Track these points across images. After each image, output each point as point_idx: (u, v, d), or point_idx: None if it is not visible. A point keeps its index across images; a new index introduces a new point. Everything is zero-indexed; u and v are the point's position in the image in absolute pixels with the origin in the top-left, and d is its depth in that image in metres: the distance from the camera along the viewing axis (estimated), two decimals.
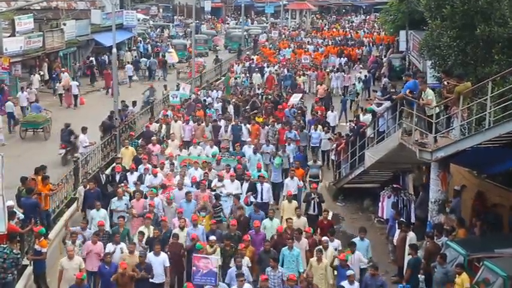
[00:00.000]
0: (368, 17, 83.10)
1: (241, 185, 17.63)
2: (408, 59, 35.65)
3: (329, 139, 23.24)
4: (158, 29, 59.65)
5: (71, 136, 22.54)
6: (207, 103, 27.78)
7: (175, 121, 23.29)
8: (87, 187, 16.78)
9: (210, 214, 15.86)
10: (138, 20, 51.18)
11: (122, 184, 17.29)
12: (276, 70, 37.34)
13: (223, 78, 36.90)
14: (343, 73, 36.68)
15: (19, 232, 14.21)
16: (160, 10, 76.17)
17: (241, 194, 17.22)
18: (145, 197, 16.28)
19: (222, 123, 23.39)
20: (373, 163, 18.14)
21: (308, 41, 54.15)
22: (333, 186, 21.57)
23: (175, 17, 74.56)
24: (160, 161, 19.23)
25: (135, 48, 45.97)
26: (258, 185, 17.50)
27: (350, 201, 20.84)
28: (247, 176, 17.93)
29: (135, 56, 43.46)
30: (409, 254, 14.13)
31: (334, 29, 65.87)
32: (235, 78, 34.38)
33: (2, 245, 12.95)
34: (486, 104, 13.58)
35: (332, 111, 27.60)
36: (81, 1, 43.54)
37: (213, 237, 13.89)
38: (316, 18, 79.78)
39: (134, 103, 27.06)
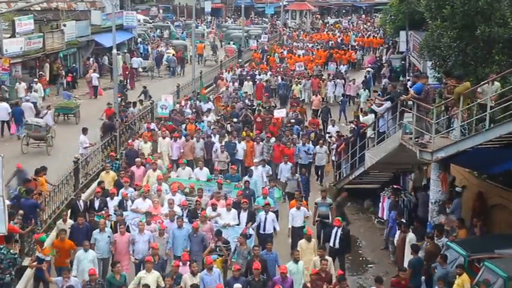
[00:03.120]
0: (355, 18, 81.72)
1: (239, 214, 15.64)
2: (408, 60, 35.63)
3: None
4: (158, 30, 59.61)
5: (124, 89, 31.21)
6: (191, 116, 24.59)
7: (163, 137, 20.92)
8: (67, 221, 14.69)
9: (224, 257, 14.06)
10: (139, 21, 51.15)
11: (103, 212, 15.25)
12: (268, 78, 34.70)
13: (220, 83, 34.18)
14: (343, 80, 34.30)
15: (19, 233, 14.20)
16: (161, 11, 76.10)
17: (239, 225, 15.39)
18: (128, 230, 14.52)
19: (215, 139, 21.09)
20: (373, 164, 18.15)
21: (298, 46, 51.14)
22: (333, 187, 21.55)
23: (174, 18, 74.66)
24: (145, 185, 16.87)
25: (135, 49, 46.04)
26: (262, 214, 15.66)
27: (350, 202, 20.80)
28: (245, 203, 15.85)
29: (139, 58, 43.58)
30: (411, 254, 14.19)
31: (324, 32, 62.73)
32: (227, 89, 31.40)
33: None
34: (486, 105, 13.58)
35: (333, 125, 25.02)
36: (81, 2, 43.51)
37: (238, 286, 12.10)
38: (316, 19, 79.78)
39: (134, 104, 27.02)
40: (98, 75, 35.28)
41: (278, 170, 19.99)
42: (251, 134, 22.56)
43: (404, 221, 15.83)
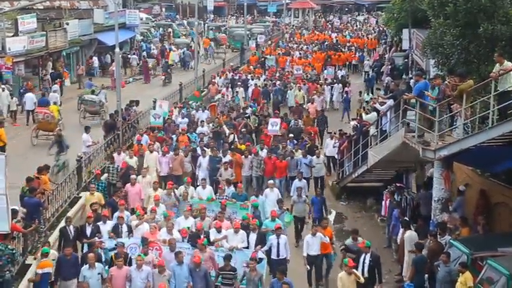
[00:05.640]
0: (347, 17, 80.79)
1: (247, 236, 14.34)
2: (411, 58, 35.58)
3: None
4: (161, 28, 59.72)
5: (168, 69, 38.92)
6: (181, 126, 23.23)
7: (151, 152, 19.38)
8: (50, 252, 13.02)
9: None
10: (141, 19, 51.29)
11: (95, 239, 13.91)
12: (262, 83, 32.78)
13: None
14: (340, 85, 32.53)
15: (22, 232, 14.18)
16: (163, 9, 76.20)
17: (247, 248, 14.13)
18: (129, 262, 13.09)
19: (199, 152, 19.76)
20: (376, 162, 18.13)
21: (292, 47, 48.95)
22: (336, 185, 21.55)
23: (176, 16, 74.85)
24: (152, 207, 15.37)
25: (137, 47, 46.18)
26: (273, 238, 14.20)
27: (353, 200, 20.84)
28: (253, 224, 14.59)
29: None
30: (409, 252, 14.23)
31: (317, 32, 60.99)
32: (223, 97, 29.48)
33: None
34: (489, 103, 13.56)
35: (332, 138, 22.46)
36: (84, 1, 43.58)
37: None
38: (319, 17, 79.81)
39: (137, 102, 27.04)
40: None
41: (292, 187, 18.18)
42: (242, 146, 20.98)
43: (407, 219, 15.84)
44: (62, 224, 14.92)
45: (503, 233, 14.98)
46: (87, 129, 21.85)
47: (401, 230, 15.35)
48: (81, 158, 19.14)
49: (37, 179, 16.62)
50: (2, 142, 21.48)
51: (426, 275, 13.46)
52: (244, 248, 14.14)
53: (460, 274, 12.09)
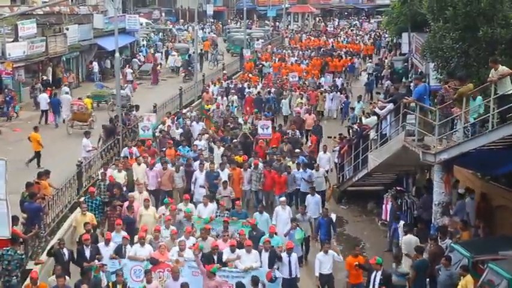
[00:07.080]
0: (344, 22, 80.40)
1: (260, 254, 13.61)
2: (411, 62, 35.61)
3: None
4: (160, 33, 59.78)
5: (189, 66, 40.27)
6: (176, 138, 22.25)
7: (139, 164, 18.33)
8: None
9: None
10: (141, 24, 51.38)
11: (96, 262, 12.88)
12: (258, 91, 31.43)
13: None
14: (338, 93, 31.64)
15: (22, 238, 14.14)
16: (163, 14, 76.26)
17: (261, 267, 13.34)
18: None
19: (196, 166, 18.56)
20: (376, 165, 18.13)
21: (288, 53, 47.87)
22: (336, 189, 21.52)
23: (176, 20, 75.00)
24: (156, 227, 14.49)
25: (137, 52, 46.28)
26: (284, 256, 13.60)
27: (353, 204, 20.81)
28: (267, 242, 13.77)
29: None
30: (405, 255, 14.26)
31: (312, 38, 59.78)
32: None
33: (5, 248, 12.77)
34: (489, 106, 13.55)
35: (325, 151, 21.22)
36: (84, 6, 43.63)
37: None
38: (318, 21, 79.93)
39: (137, 107, 27.04)
40: (132, 71, 38.51)
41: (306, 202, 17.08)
42: (239, 158, 19.84)
43: (405, 222, 15.83)
44: (56, 246, 13.90)
45: (504, 236, 14.95)
46: (87, 134, 21.85)
47: (401, 234, 15.34)
48: (81, 163, 19.14)
49: (37, 184, 16.61)
50: (40, 146, 21.80)
51: (427, 279, 13.44)
52: (259, 267, 13.38)
53: (461, 277, 12.08)
